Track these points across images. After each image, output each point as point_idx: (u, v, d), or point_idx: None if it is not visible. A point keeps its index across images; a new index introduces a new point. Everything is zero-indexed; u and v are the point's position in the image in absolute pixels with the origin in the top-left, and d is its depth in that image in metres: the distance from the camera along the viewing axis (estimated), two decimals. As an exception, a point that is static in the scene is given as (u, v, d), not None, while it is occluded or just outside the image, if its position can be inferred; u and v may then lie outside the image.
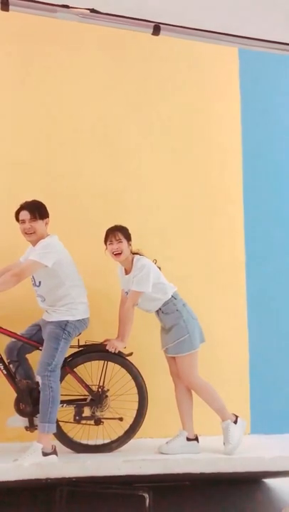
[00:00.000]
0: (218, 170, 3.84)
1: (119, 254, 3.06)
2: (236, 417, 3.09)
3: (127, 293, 3.14)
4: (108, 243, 3.09)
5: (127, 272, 3.14)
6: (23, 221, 2.95)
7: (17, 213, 2.98)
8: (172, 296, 3.09)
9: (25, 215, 2.95)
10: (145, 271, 3.02)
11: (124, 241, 3.08)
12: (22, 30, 3.53)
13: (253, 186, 3.87)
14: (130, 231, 3.14)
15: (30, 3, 1.70)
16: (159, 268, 3.15)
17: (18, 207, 2.99)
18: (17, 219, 2.99)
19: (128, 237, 3.11)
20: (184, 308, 3.09)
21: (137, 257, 3.12)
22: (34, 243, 2.96)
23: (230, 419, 3.06)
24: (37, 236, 2.95)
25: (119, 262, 3.12)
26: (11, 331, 2.98)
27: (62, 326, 2.93)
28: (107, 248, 3.10)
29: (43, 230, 2.98)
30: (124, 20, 1.82)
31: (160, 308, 3.10)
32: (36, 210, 2.95)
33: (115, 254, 3.07)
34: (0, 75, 3.55)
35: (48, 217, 3.00)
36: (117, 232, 3.08)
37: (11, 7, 1.67)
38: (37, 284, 2.98)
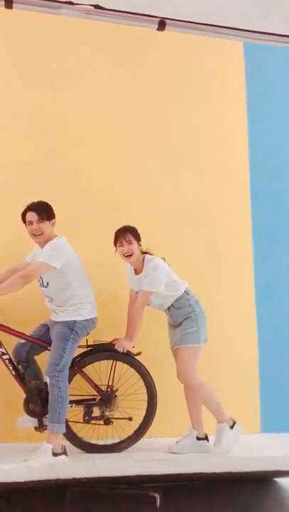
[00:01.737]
0: (225, 166, 3.82)
1: (130, 255, 3.03)
2: (234, 422, 3.04)
3: (137, 292, 3.11)
4: (118, 245, 3.05)
5: (137, 272, 3.10)
6: (31, 222, 2.94)
7: (23, 214, 2.97)
8: (185, 292, 3.07)
9: (32, 216, 2.93)
10: (158, 271, 2.99)
11: (135, 242, 3.04)
12: (26, 30, 3.53)
13: (260, 181, 3.85)
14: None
15: (34, 0, 1.70)
16: (169, 265, 3.13)
17: (25, 208, 2.98)
18: (24, 220, 2.97)
19: (138, 238, 3.07)
20: (196, 304, 3.07)
21: (148, 257, 3.08)
22: (42, 244, 2.95)
23: (227, 423, 3.01)
24: (45, 237, 2.94)
25: (130, 263, 3.09)
26: (19, 332, 2.99)
27: (70, 326, 2.92)
28: (117, 250, 3.06)
29: (51, 231, 2.97)
30: (128, 16, 1.80)
31: (172, 304, 3.07)
32: (43, 211, 2.94)
33: (126, 256, 3.03)
34: (4, 76, 3.55)
35: (54, 217, 2.99)
36: (127, 234, 3.04)
37: (14, 4, 1.66)
38: (44, 284, 2.97)
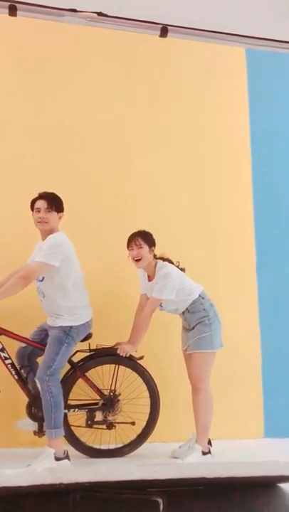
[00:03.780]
0: (228, 169, 3.82)
1: (140, 260, 3.02)
2: (209, 450, 2.99)
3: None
4: (129, 249, 3.04)
5: (150, 278, 3.08)
6: (38, 210, 2.93)
7: (33, 202, 2.97)
8: (200, 296, 3.05)
9: (41, 203, 2.93)
10: (168, 280, 2.97)
11: (145, 247, 3.03)
12: (30, 38, 3.54)
13: (263, 186, 3.84)
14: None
15: (37, 8, 1.71)
16: (183, 269, 3.11)
17: (36, 196, 2.97)
18: (32, 208, 2.96)
19: (150, 243, 3.05)
20: (211, 308, 3.05)
21: (159, 263, 3.06)
22: (44, 234, 2.94)
23: (203, 448, 2.97)
24: (49, 227, 2.93)
25: (140, 267, 3.08)
26: (21, 336, 2.99)
27: (67, 330, 2.91)
28: (128, 254, 3.05)
29: (56, 223, 2.96)
30: (131, 23, 1.82)
31: (186, 308, 3.05)
32: (53, 201, 2.95)
33: (136, 260, 3.03)
34: (10, 80, 3.57)
35: (62, 211, 2.98)
36: (138, 238, 3.04)
37: (18, 12, 1.68)
38: (40, 278, 2.94)
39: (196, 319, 3.02)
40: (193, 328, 3.02)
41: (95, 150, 3.61)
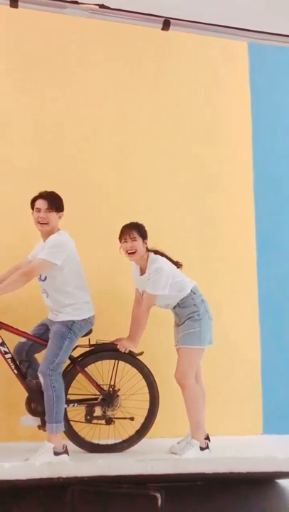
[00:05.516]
0: (228, 168, 3.80)
1: (134, 253, 2.97)
2: (207, 445, 2.98)
3: (142, 292, 3.07)
4: (122, 241, 2.99)
5: (142, 272, 3.05)
6: (39, 210, 2.92)
7: (33, 201, 2.96)
8: (191, 291, 3.02)
9: (42, 204, 2.92)
10: (160, 275, 2.93)
11: (139, 239, 2.98)
12: (31, 32, 3.52)
13: (264, 183, 3.83)
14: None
15: (39, 0, 1.70)
16: (181, 264, 3.07)
17: (36, 195, 2.96)
18: (32, 207, 2.95)
19: (143, 235, 3.01)
20: (201, 304, 3.01)
21: (152, 257, 3.01)
22: (44, 234, 2.94)
23: (200, 443, 2.96)
24: (50, 227, 2.92)
25: (133, 260, 3.05)
26: (22, 331, 2.99)
27: (69, 325, 2.91)
28: (121, 246, 3.01)
29: (56, 222, 2.96)
30: (133, 16, 1.80)
31: (177, 303, 3.03)
32: (54, 201, 2.93)
33: (129, 254, 2.98)
34: (10, 80, 3.54)
35: (62, 211, 2.97)
36: (132, 231, 2.99)
37: (20, 3, 1.67)
38: (42, 278, 2.95)
39: (186, 314, 2.98)
40: (183, 323, 2.99)
41: (95, 150, 3.59)
